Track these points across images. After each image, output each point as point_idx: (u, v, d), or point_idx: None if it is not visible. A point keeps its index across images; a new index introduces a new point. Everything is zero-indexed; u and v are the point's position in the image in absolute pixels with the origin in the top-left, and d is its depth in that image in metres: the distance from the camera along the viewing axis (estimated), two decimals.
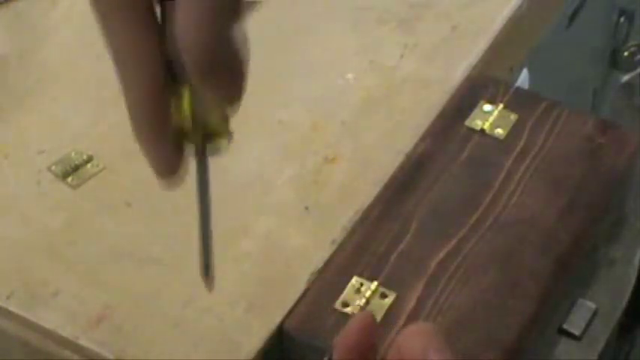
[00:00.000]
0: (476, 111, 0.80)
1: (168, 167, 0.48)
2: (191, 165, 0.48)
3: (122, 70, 0.46)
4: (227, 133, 0.48)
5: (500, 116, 0.79)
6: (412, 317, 0.66)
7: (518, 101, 0.80)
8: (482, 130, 0.78)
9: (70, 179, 0.76)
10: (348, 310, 0.67)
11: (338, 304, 0.67)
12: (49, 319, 0.68)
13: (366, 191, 0.74)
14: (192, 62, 0.42)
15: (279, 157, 0.78)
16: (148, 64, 0.45)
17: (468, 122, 0.79)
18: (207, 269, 0.50)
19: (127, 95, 0.46)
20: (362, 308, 0.67)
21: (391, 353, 0.47)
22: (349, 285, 0.68)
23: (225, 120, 0.48)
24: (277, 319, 0.67)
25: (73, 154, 0.77)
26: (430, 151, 0.77)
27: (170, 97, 0.46)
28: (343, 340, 0.48)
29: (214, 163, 0.70)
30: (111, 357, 0.66)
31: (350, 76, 0.83)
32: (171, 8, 0.42)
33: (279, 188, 0.75)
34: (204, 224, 0.50)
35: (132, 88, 0.46)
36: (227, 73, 0.44)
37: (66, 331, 0.67)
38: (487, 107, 0.80)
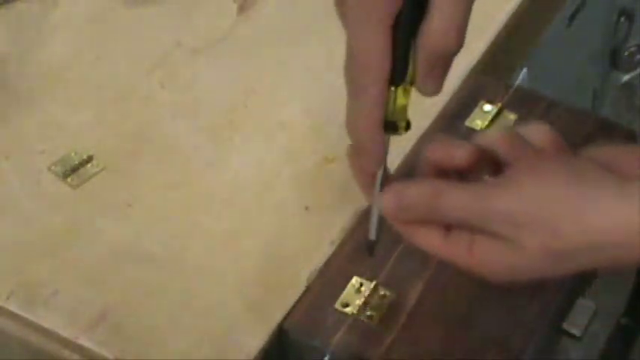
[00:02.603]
0: (476, 111, 0.80)
1: (379, 159, 0.60)
2: None
3: (362, 70, 0.57)
4: (403, 124, 0.60)
5: (500, 116, 0.79)
6: (412, 317, 0.66)
7: (518, 101, 0.80)
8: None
9: (70, 179, 0.76)
10: (348, 310, 0.67)
11: (338, 304, 0.67)
12: (49, 319, 0.68)
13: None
14: (444, 47, 0.56)
15: (279, 157, 0.78)
16: (385, 67, 0.56)
17: (468, 122, 0.79)
18: (371, 250, 0.64)
19: (362, 93, 0.58)
20: (362, 308, 0.67)
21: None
22: (349, 285, 0.68)
23: (404, 115, 0.60)
24: (277, 319, 0.67)
25: (73, 154, 0.77)
26: None
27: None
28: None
29: (215, 163, 0.71)
30: (111, 357, 0.66)
31: None
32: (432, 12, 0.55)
33: (279, 188, 0.75)
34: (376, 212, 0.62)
35: (369, 86, 0.57)
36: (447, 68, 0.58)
37: (66, 331, 0.67)
38: (487, 107, 0.80)
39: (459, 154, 0.60)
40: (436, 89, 0.58)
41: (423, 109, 0.80)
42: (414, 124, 0.77)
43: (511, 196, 0.56)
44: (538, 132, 0.60)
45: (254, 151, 0.78)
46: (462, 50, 0.56)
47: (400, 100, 0.58)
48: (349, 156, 0.61)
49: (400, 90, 0.58)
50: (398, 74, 0.57)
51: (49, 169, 0.77)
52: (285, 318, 0.67)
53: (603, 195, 0.54)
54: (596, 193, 0.55)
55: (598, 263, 0.56)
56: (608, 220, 0.54)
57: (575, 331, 0.71)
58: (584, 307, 0.72)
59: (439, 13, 0.55)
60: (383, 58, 0.56)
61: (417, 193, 0.60)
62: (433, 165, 0.61)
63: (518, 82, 0.94)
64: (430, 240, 0.60)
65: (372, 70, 0.56)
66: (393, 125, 0.59)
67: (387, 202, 0.60)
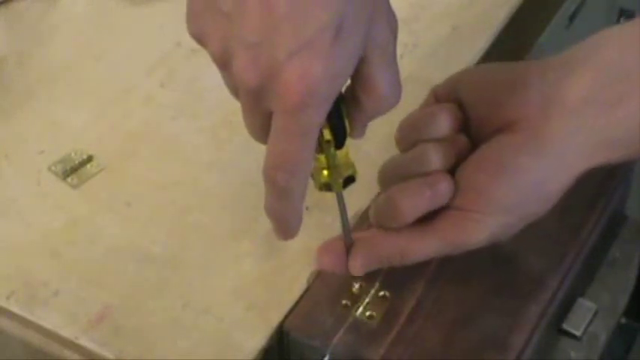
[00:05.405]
0: None
1: (297, 229, 0.64)
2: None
3: (289, 175, 0.58)
4: (355, 172, 0.63)
5: None
6: (412, 317, 0.66)
7: None
8: None
9: (70, 179, 0.76)
10: (348, 310, 0.67)
11: (338, 305, 0.67)
12: (49, 319, 0.68)
13: (366, 191, 0.74)
14: (389, 108, 0.60)
15: None
16: (310, 168, 0.60)
17: None
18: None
19: (288, 194, 0.60)
20: (362, 308, 0.67)
21: None
22: (349, 285, 0.68)
23: (351, 162, 0.63)
24: (277, 319, 0.67)
25: (73, 154, 0.77)
26: None
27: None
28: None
29: (215, 163, 0.71)
30: (111, 357, 0.66)
31: None
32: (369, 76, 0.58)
33: None
34: (347, 232, 0.66)
35: (295, 188, 0.59)
36: None
37: (66, 331, 0.67)
38: None
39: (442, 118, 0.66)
40: (364, 134, 0.62)
41: None
42: None
43: (481, 230, 0.63)
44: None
45: (254, 151, 0.78)
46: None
47: (345, 153, 0.62)
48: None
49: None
50: (342, 140, 0.61)
51: (49, 169, 0.77)
52: (285, 318, 0.67)
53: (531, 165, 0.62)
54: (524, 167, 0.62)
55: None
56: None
57: (575, 331, 0.71)
58: (584, 307, 0.72)
59: (378, 76, 0.58)
60: (310, 162, 0.58)
61: (384, 255, 0.65)
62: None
63: None
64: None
65: (302, 175, 0.59)
66: (352, 179, 0.63)
67: (356, 264, 0.65)
